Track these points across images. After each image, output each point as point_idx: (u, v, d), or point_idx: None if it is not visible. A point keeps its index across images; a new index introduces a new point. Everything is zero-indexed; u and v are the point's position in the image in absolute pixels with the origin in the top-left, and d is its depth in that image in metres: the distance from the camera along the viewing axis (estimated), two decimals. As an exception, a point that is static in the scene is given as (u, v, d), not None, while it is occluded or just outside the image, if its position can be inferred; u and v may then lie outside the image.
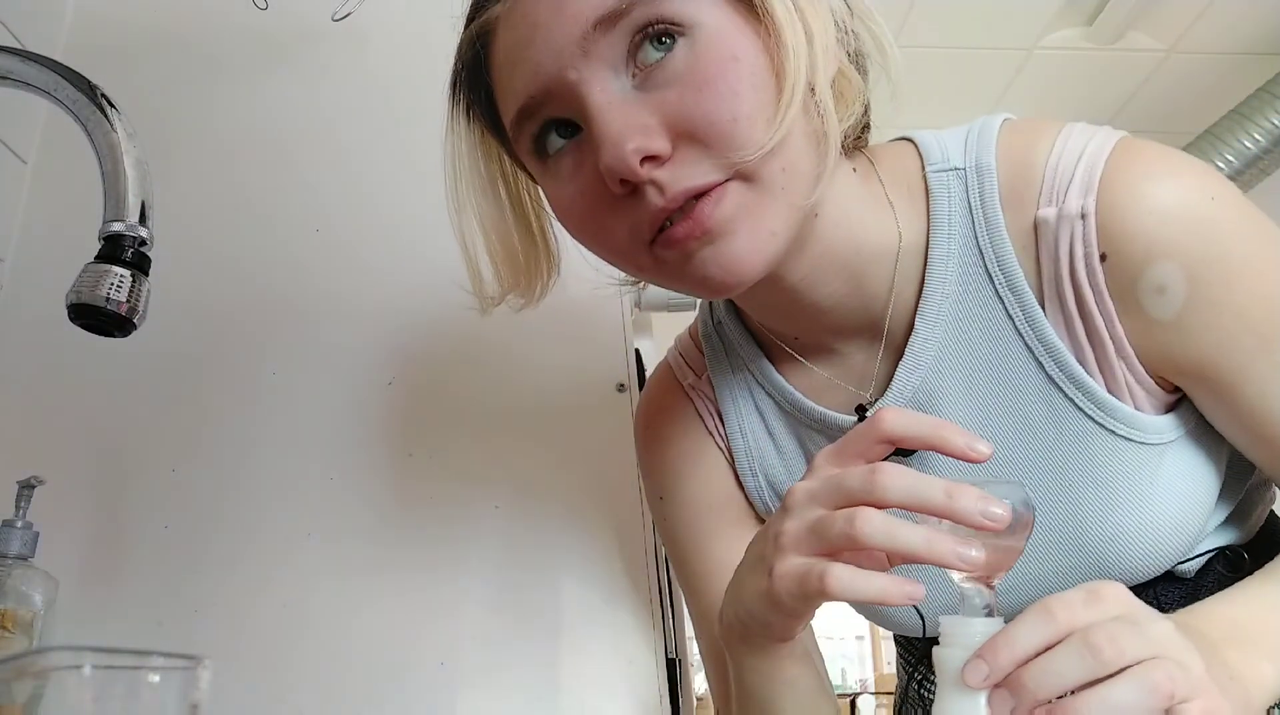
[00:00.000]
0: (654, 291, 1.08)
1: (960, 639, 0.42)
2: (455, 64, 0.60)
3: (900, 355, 0.61)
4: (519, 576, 0.93)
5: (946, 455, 0.44)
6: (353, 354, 1.01)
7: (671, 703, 0.89)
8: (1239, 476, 0.64)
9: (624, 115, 0.49)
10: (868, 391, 0.64)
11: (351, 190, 1.07)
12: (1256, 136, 2.39)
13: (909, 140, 0.63)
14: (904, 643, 0.81)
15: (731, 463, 0.72)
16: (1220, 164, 2.43)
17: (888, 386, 0.62)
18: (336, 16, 1.04)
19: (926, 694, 0.77)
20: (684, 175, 0.50)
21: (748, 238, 0.51)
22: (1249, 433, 0.57)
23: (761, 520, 0.71)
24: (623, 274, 0.65)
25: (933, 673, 0.75)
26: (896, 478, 0.43)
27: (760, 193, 0.51)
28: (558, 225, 0.61)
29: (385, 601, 0.92)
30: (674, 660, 0.91)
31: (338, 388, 0.99)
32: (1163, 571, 0.60)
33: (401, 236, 1.05)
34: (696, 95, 0.49)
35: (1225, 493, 0.63)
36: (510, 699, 0.89)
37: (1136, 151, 0.55)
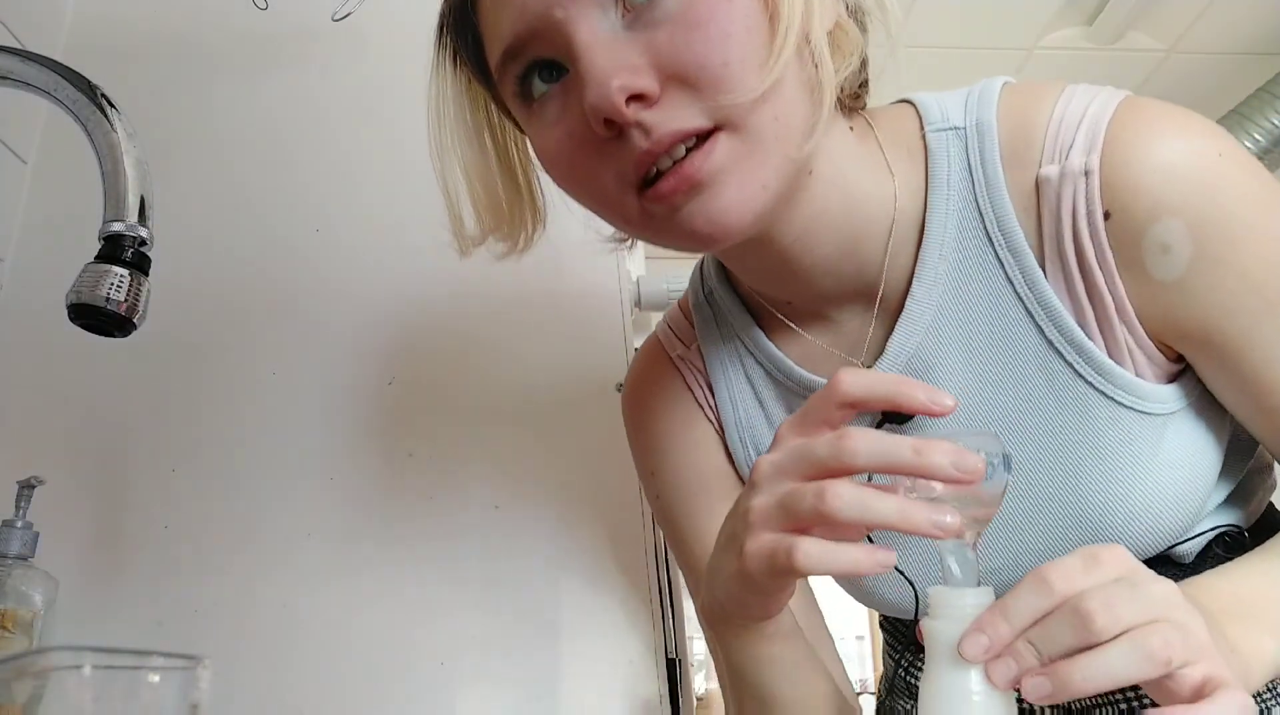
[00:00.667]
0: (654, 291, 1.08)
1: (951, 611, 0.42)
2: (442, 8, 0.59)
3: (896, 321, 0.60)
4: (519, 576, 0.93)
5: (909, 412, 0.44)
6: (353, 354, 1.01)
7: (671, 703, 0.89)
8: (1241, 454, 0.63)
9: (611, 53, 0.48)
10: (861, 358, 0.62)
11: (351, 190, 1.07)
12: (1256, 136, 2.39)
13: (909, 103, 0.62)
14: (890, 629, 0.79)
15: (721, 435, 0.70)
16: (1220, 164, 2.42)
17: (882, 353, 0.60)
18: (336, 16, 1.04)
19: (914, 680, 0.75)
20: (671, 118, 0.48)
21: (737, 190, 0.50)
22: (1252, 403, 0.56)
23: None
24: (611, 231, 0.64)
25: (921, 658, 0.75)
26: (863, 441, 0.42)
27: (751, 144, 0.49)
28: (545, 180, 0.60)
29: (385, 601, 0.92)
30: (674, 660, 0.91)
31: (338, 388, 0.99)
32: (1162, 548, 0.59)
33: (401, 236, 1.05)
34: (687, 36, 0.47)
35: (1226, 470, 0.62)
36: (510, 699, 0.89)
37: (1142, 109, 0.54)
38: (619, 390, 1.00)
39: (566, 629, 0.91)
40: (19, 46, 0.84)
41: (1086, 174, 0.53)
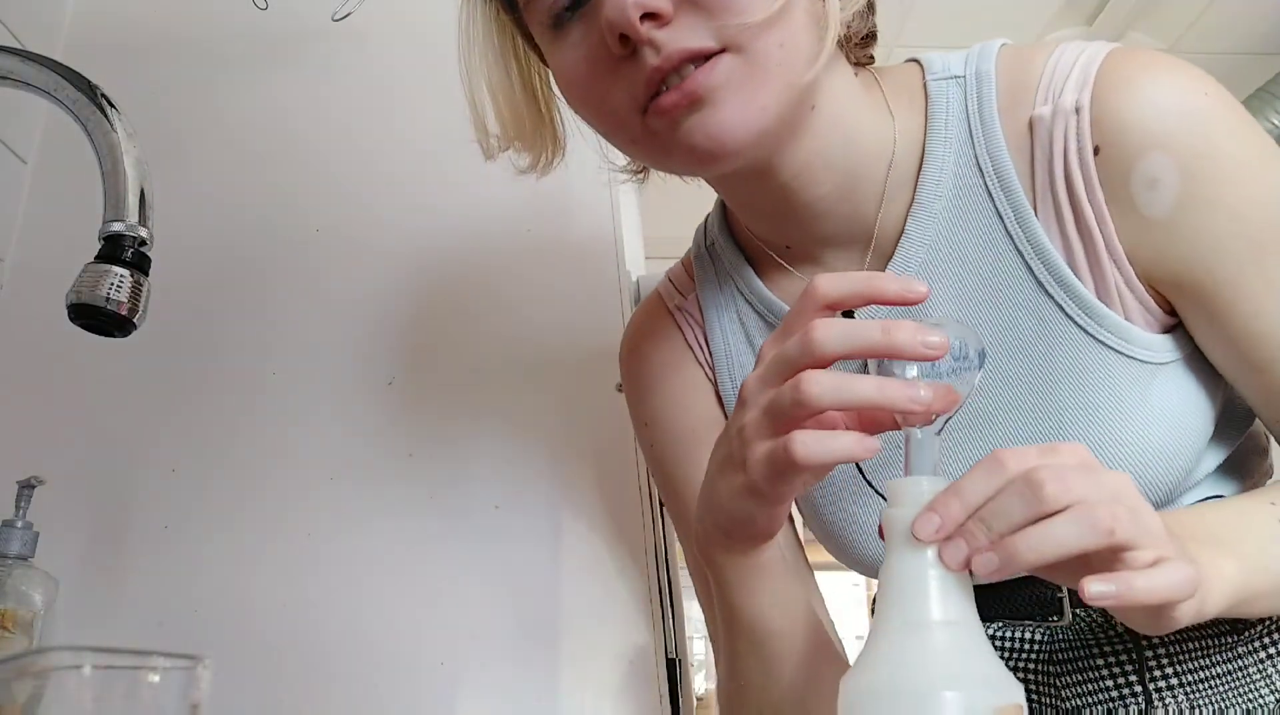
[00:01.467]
0: (654, 291, 1.08)
1: (908, 498, 0.42)
2: None
3: (889, 263, 0.61)
4: (519, 576, 0.93)
5: (886, 304, 0.44)
6: (353, 354, 1.01)
7: (671, 703, 0.89)
8: (1235, 424, 0.63)
9: None
10: None
11: (351, 190, 1.07)
12: (1256, 136, 2.39)
13: (915, 61, 0.65)
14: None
15: (715, 384, 0.71)
16: (1220, 164, 2.42)
17: None
18: (336, 16, 1.04)
19: None
20: (681, 37, 0.50)
21: (738, 107, 0.51)
22: (1240, 357, 0.56)
23: None
24: (622, 162, 0.66)
25: None
26: (830, 329, 0.43)
27: (754, 65, 0.51)
28: (566, 114, 0.63)
29: (385, 601, 0.92)
30: (674, 660, 0.91)
31: (338, 388, 0.99)
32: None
33: (402, 237, 1.05)
34: None
35: (1219, 437, 0.62)
36: (510, 699, 0.89)
37: (1131, 53, 0.56)
38: (619, 390, 1.00)
39: (566, 629, 0.91)
40: (19, 46, 0.84)
41: (1077, 111, 0.55)
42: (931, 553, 0.40)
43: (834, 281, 0.45)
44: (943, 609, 0.40)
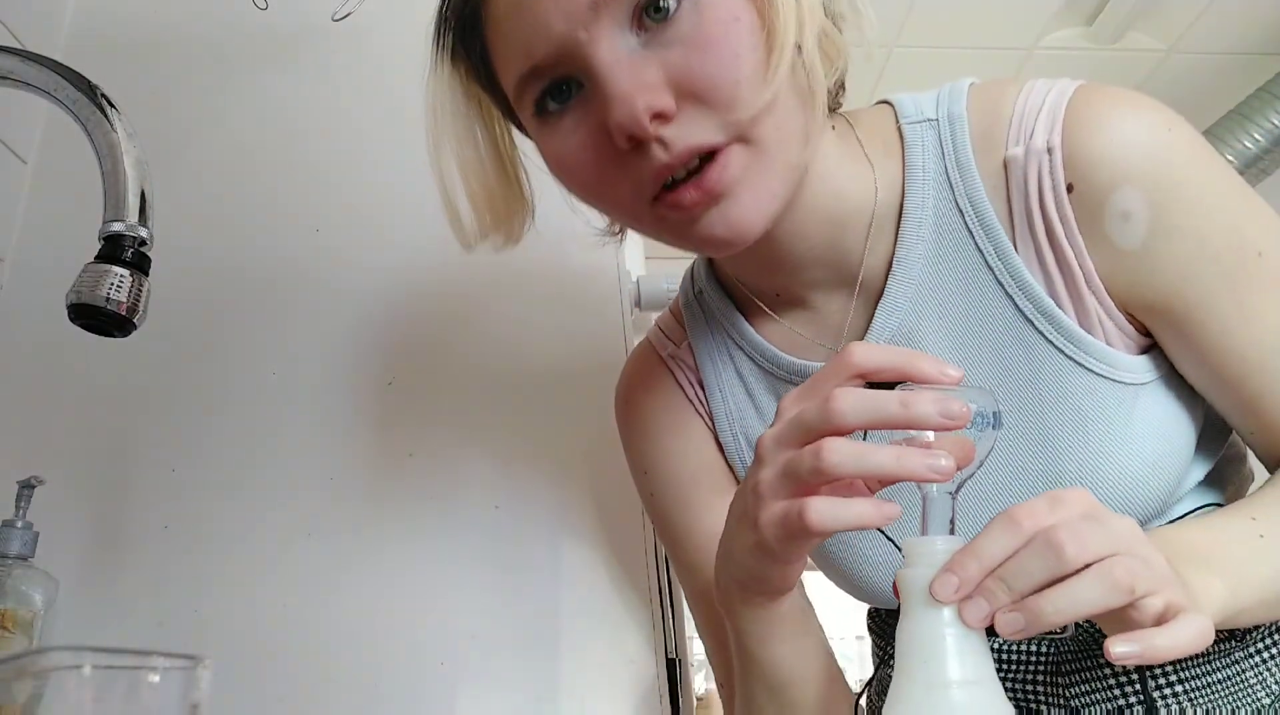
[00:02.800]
0: (654, 292, 1.08)
1: (924, 557, 0.43)
2: (442, 8, 0.60)
3: (877, 304, 0.63)
4: (519, 576, 0.93)
5: (919, 382, 0.45)
6: (353, 354, 1.01)
7: (671, 703, 0.89)
8: (1216, 434, 0.65)
9: (632, 73, 0.50)
10: (845, 341, 0.65)
11: (351, 190, 1.07)
12: (1256, 136, 2.39)
13: (885, 103, 0.66)
14: (878, 630, 0.80)
15: (713, 429, 0.72)
16: (1220, 164, 2.42)
17: (866, 332, 0.63)
18: (336, 16, 1.04)
19: None
20: (689, 133, 0.51)
21: (751, 198, 0.53)
22: (1212, 375, 0.58)
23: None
24: (604, 224, 0.67)
25: None
26: (849, 400, 0.44)
27: (760, 154, 0.53)
28: (531, 171, 0.64)
29: (385, 601, 0.92)
30: (674, 660, 0.91)
31: (338, 388, 0.99)
32: (1139, 521, 0.60)
33: (402, 236, 1.05)
34: (701, 56, 0.50)
35: (1203, 448, 0.63)
36: (510, 699, 0.89)
37: (1096, 91, 0.58)
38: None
39: (566, 629, 0.91)
40: (19, 46, 0.84)
41: (1049, 151, 0.57)
42: (949, 613, 0.41)
43: (871, 353, 0.46)
44: (961, 669, 0.41)
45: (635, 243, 1.13)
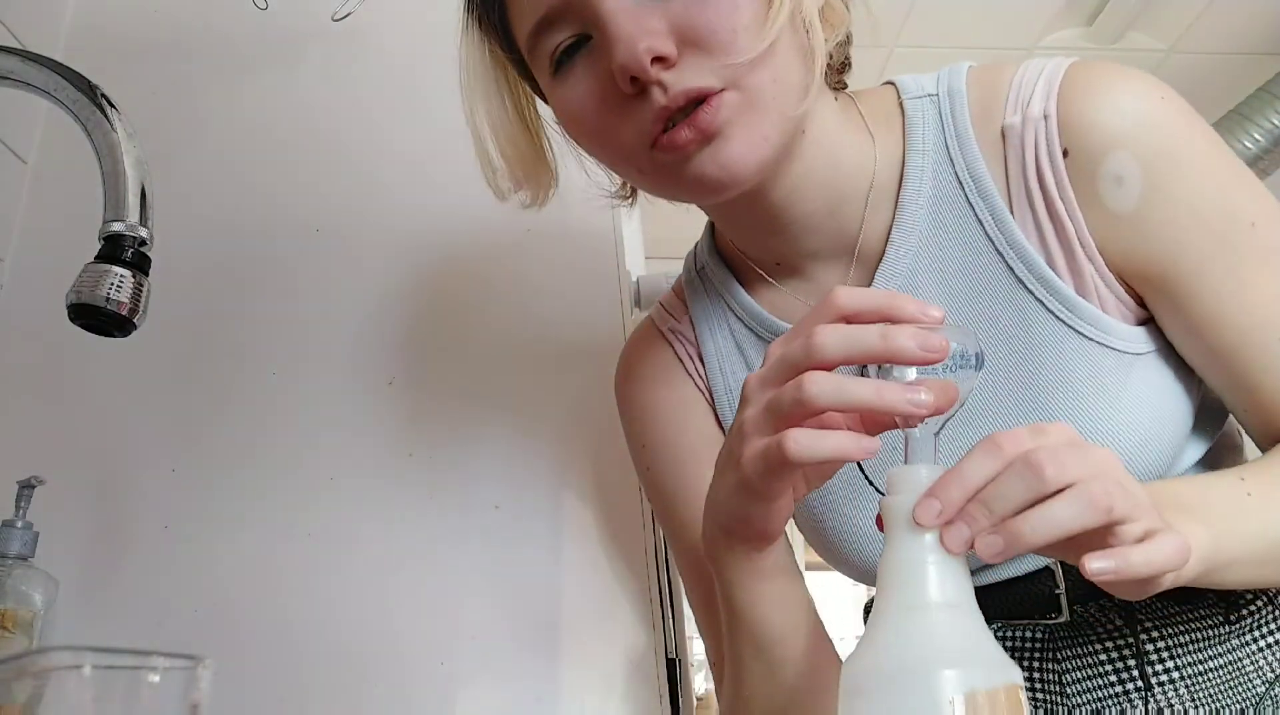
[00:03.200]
0: (653, 291, 1.08)
1: (907, 485, 0.43)
2: None
3: (874, 274, 0.64)
4: (519, 576, 0.93)
5: (902, 323, 0.45)
6: (353, 354, 1.01)
7: (671, 703, 0.89)
8: (1213, 417, 0.65)
9: (635, 19, 0.53)
10: None
11: (351, 190, 1.07)
12: (1256, 136, 2.39)
13: (889, 83, 0.68)
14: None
15: (711, 403, 0.72)
16: (1220, 164, 2.42)
17: None
18: (336, 16, 1.04)
19: None
20: (687, 77, 0.53)
21: (743, 140, 0.55)
22: (1204, 347, 0.59)
23: None
24: (614, 186, 0.70)
25: None
26: (832, 335, 0.44)
27: (753, 100, 0.55)
28: (555, 143, 0.67)
29: (385, 601, 0.92)
30: (674, 660, 0.91)
31: (338, 388, 0.99)
32: None
33: (402, 236, 1.05)
34: (701, 5, 0.53)
35: (1200, 428, 0.64)
36: (510, 699, 0.89)
37: (1091, 64, 0.60)
38: (619, 390, 1.00)
39: (566, 629, 0.91)
40: (19, 46, 0.84)
41: (1045, 118, 0.59)
42: (931, 538, 0.41)
43: (854, 294, 0.46)
44: (942, 592, 0.41)
45: (635, 243, 1.13)
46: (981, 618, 0.41)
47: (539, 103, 0.67)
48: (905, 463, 0.45)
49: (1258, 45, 2.47)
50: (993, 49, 2.50)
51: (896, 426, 0.46)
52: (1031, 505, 0.40)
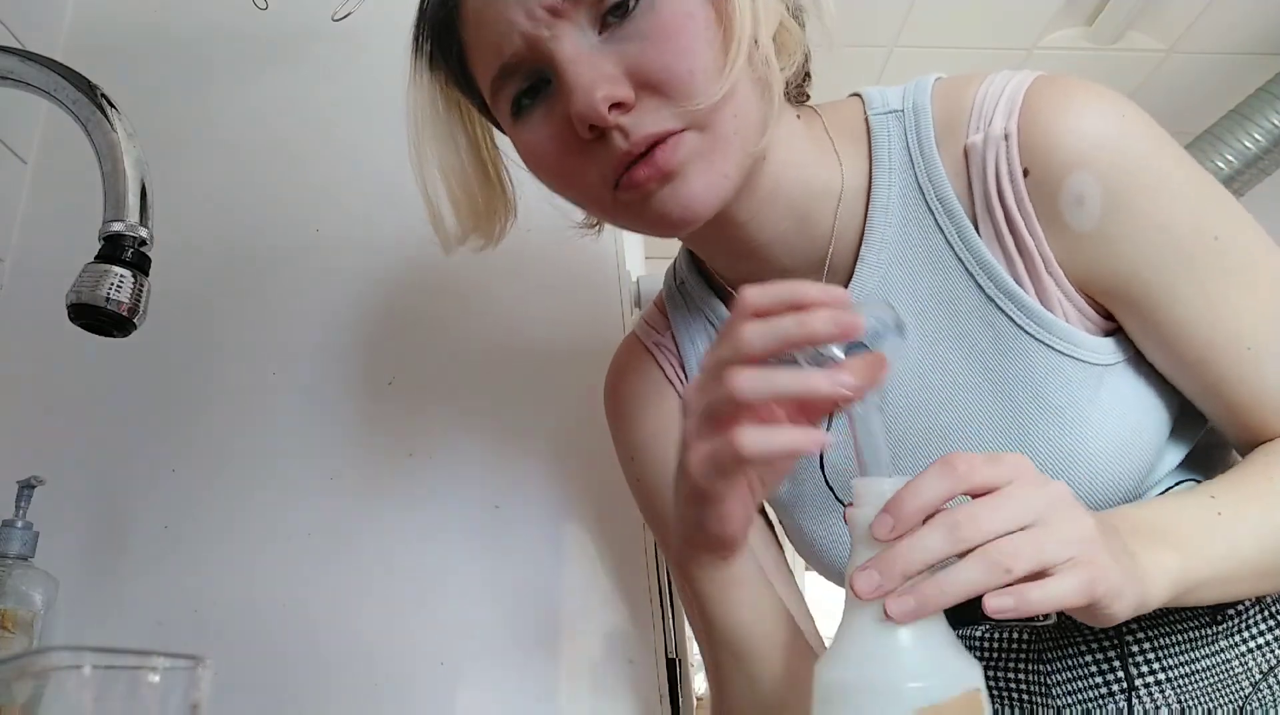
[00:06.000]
0: (653, 291, 1.08)
1: (869, 498, 0.45)
2: (420, 18, 0.64)
3: (846, 287, 0.65)
4: (519, 576, 0.93)
5: (808, 307, 0.46)
6: (353, 354, 1.01)
7: (671, 703, 0.89)
8: (1194, 417, 0.65)
9: (592, 66, 0.53)
10: None
11: (351, 190, 1.07)
12: (1256, 136, 2.39)
13: (855, 95, 0.68)
14: None
15: None
16: (1220, 164, 2.42)
17: None
18: (336, 17, 1.04)
19: None
20: (647, 122, 0.54)
21: (702, 178, 0.55)
22: (1176, 360, 0.60)
23: None
24: (581, 217, 0.71)
25: None
26: (752, 329, 0.46)
27: (713, 138, 0.55)
28: (513, 170, 0.67)
29: (385, 601, 0.92)
30: (674, 660, 0.91)
31: (338, 387, 0.99)
32: (1112, 501, 0.61)
33: (402, 236, 1.05)
34: (658, 49, 0.53)
35: (1181, 432, 0.64)
36: (510, 699, 0.89)
37: (1053, 81, 0.60)
38: (619, 390, 1.00)
39: (566, 629, 0.91)
40: (19, 46, 0.84)
41: (1006, 137, 0.59)
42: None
43: (761, 291, 0.48)
44: None
45: (635, 243, 1.13)
46: (945, 623, 0.44)
47: (494, 134, 0.68)
48: (855, 444, 0.47)
49: (1258, 45, 2.47)
50: (992, 49, 2.50)
51: (837, 410, 0.48)
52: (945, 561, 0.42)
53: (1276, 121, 2.37)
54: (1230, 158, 2.43)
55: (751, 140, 0.57)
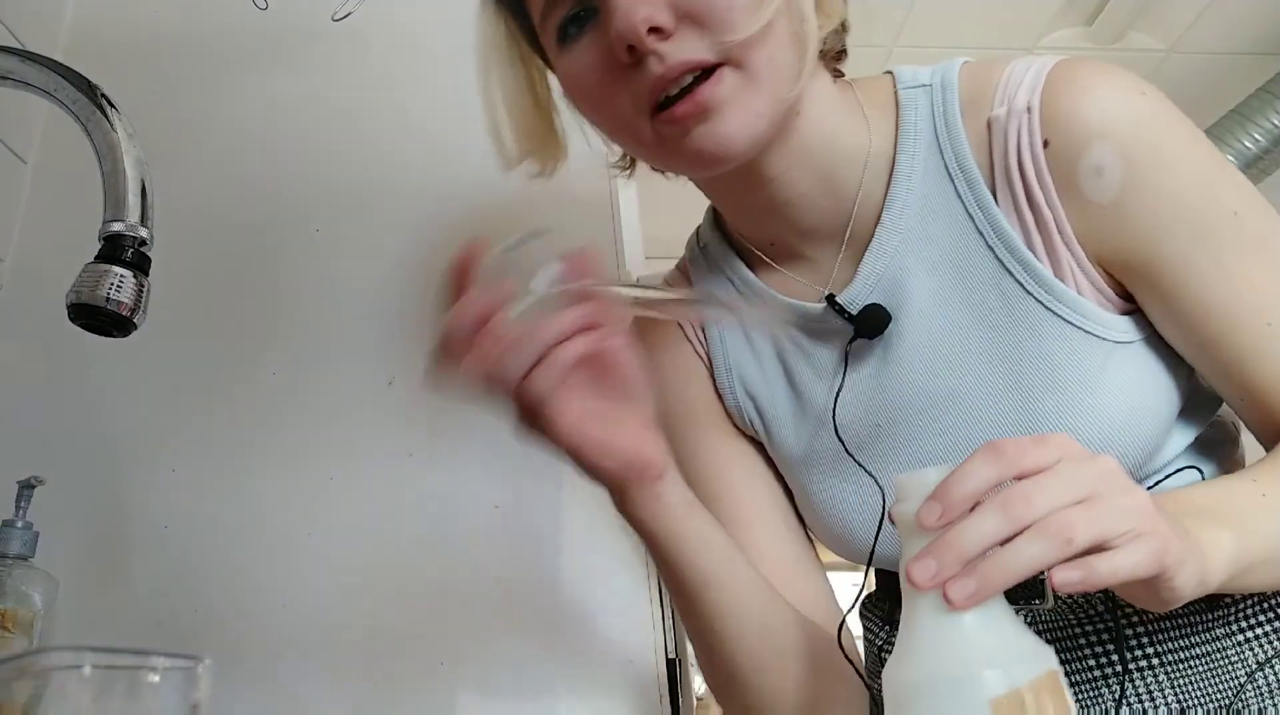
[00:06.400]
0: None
1: (914, 491, 0.44)
2: None
3: (863, 255, 0.66)
4: (519, 576, 0.93)
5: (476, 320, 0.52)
6: (353, 354, 1.01)
7: (671, 703, 0.89)
8: (1204, 403, 0.66)
9: None
10: (834, 285, 0.69)
11: (351, 190, 1.07)
12: (1256, 136, 2.39)
13: (888, 73, 0.70)
14: (868, 613, 0.82)
15: (711, 371, 0.76)
16: (1220, 164, 2.42)
17: (854, 276, 0.67)
18: (336, 16, 1.04)
19: (888, 656, 0.78)
20: (683, 49, 0.56)
21: (738, 118, 0.57)
22: (1193, 336, 0.60)
23: (739, 428, 0.76)
24: (619, 155, 0.73)
25: (895, 634, 0.76)
26: (465, 308, 0.52)
27: (749, 79, 0.57)
28: (565, 119, 0.70)
29: (385, 601, 0.92)
30: (674, 660, 0.91)
31: (338, 388, 0.99)
32: None
33: (401, 236, 1.05)
34: None
35: (1190, 416, 0.65)
36: (510, 699, 0.89)
37: (1077, 62, 0.62)
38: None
39: (566, 629, 0.91)
40: (19, 46, 0.84)
41: (1029, 110, 0.61)
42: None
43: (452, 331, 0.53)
44: None
45: (635, 243, 1.13)
46: (1009, 607, 0.42)
47: (550, 78, 0.70)
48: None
49: (1258, 45, 2.47)
50: (992, 49, 2.49)
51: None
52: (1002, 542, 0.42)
53: (1276, 121, 2.37)
54: (1230, 158, 2.42)
55: (785, 86, 0.58)
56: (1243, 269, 0.58)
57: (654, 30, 0.55)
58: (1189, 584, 0.45)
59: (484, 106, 0.68)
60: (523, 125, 0.69)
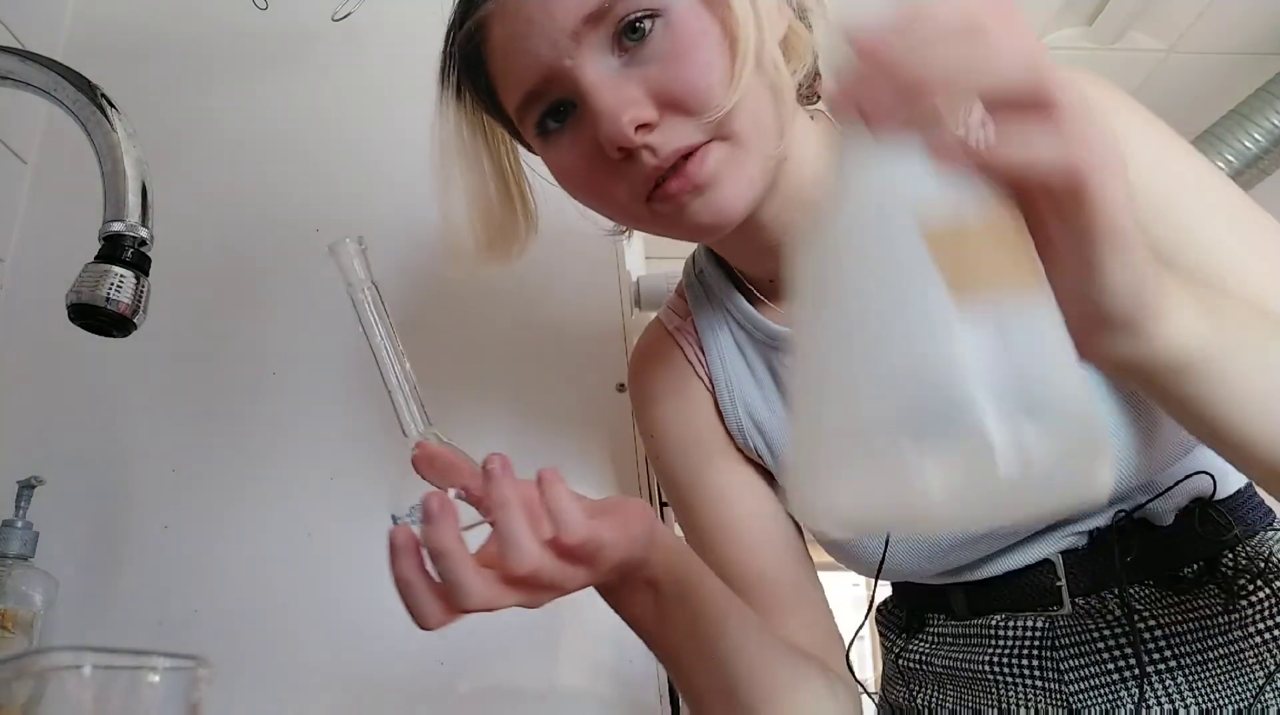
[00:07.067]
0: (653, 292, 1.08)
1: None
2: (447, 51, 0.65)
3: None
4: (519, 576, 0.93)
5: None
6: (353, 354, 1.01)
7: (671, 703, 0.89)
8: None
9: (616, 91, 0.55)
10: None
11: (351, 190, 1.07)
12: (1256, 136, 2.39)
13: None
14: (884, 621, 0.83)
15: (713, 395, 0.77)
16: (1220, 164, 2.42)
17: None
18: (336, 16, 1.04)
19: (908, 665, 0.79)
20: (672, 138, 0.56)
21: (730, 186, 0.58)
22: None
23: (742, 452, 0.76)
24: (610, 224, 0.73)
25: (912, 642, 0.77)
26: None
27: (736, 146, 0.57)
28: (537, 185, 0.70)
29: (385, 601, 0.91)
30: (674, 660, 0.91)
31: (338, 388, 0.99)
32: (1131, 479, 0.61)
33: (402, 237, 1.05)
34: (677, 68, 0.55)
35: None
36: (510, 699, 0.89)
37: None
38: (620, 390, 1.00)
39: (566, 629, 0.91)
40: (19, 46, 0.84)
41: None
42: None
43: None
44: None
45: (635, 243, 1.13)
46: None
47: (519, 151, 0.70)
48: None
49: (1258, 45, 2.47)
50: (993, 49, 2.49)
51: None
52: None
53: (1276, 121, 2.37)
54: (1230, 158, 2.42)
55: (771, 143, 0.59)
56: (1207, 225, 0.56)
57: (641, 126, 0.55)
58: (1117, 203, 0.36)
59: (440, 215, 0.67)
60: (485, 223, 0.68)
